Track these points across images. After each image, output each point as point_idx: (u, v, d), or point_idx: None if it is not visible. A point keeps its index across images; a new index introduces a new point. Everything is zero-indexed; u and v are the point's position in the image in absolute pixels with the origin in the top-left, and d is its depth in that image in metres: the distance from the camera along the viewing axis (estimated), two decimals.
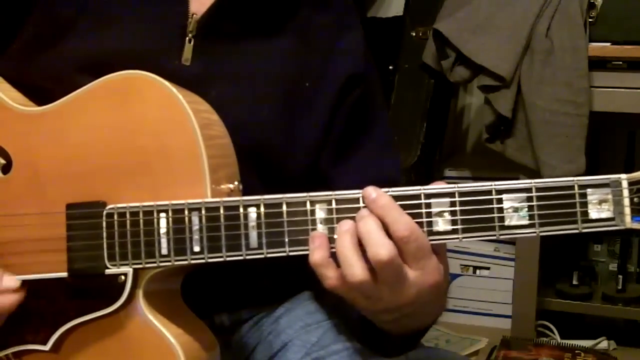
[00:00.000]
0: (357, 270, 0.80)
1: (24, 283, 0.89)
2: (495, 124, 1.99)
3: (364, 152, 1.11)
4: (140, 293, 0.88)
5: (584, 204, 0.80)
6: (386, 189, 0.82)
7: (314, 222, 0.83)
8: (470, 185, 0.82)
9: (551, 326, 2.26)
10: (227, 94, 1.01)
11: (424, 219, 0.82)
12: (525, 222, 0.81)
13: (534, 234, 0.81)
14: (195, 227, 0.85)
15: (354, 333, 1.04)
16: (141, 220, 0.86)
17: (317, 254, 0.82)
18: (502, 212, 0.81)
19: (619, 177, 0.80)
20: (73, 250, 0.89)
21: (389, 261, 0.79)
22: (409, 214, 0.82)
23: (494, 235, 0.81)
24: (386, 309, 0.85)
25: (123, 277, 0.87)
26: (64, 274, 0.89)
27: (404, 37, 2.30)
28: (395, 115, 2.21)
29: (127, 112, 0.89)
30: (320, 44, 1.08)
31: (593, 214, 0.80)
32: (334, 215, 0.83)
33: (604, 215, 0.80)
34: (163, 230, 0.86)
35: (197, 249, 0.85)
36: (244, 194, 0.90)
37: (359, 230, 0.81)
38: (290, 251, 0.84)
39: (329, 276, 0.82)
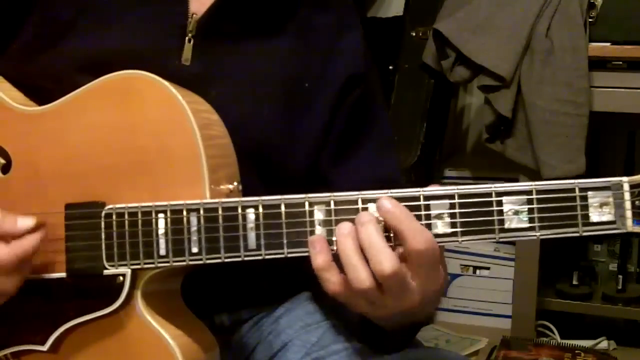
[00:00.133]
0: (362, 274, 0.80)
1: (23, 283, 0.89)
2: (495, 124, 1.99)
3: (364, 152, 1.11)
4: (138, 294, 0.88)
5: (585, 207, 0.80)
6: (386, 190, 0.82)
7: (312, 223, 0.83)
8: (470, 188, 0.81)
9: (551, 326, 2.26)
10: (227, 93, 1.01)
11: (423, 222, 0.82)
12: (526, 225, 0.80)
13: (534, 237, 0.80)
14: (194, 228, 0.85)
15: (353, 332, 1.04)
16: (139, 221, 0.86)
17: (319, 258, 0.82)
18: (502, 215, 0.81)
19: (620, 180, 0.80)
20: (72, 251, 0.89)
21: (392, 275, 0.79)
22: None
23: (494, 238, 0.81)
24: (388, 314, 0.85)
25: (121, 278, 0.87)
26: (63, 275, 0.89)
27: (404, 37, 2.30)
28: (395, 115, 2.21)
29: (127, 112, 0.89)
30: (320, 44, 1.08)
31: (594, 217, 0.80)
32: (333, 217, 0.83)
33: (605, 218, 0.80)
34: (161, 230, 0.86)
35: (195, 249, 0.85)
36: (244, 194, 0.90)
37: (360, 236, 0.80)
38: (288, 253, 0.84)
39: (333, 280, 0.82)
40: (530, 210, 0.80)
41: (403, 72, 2.27)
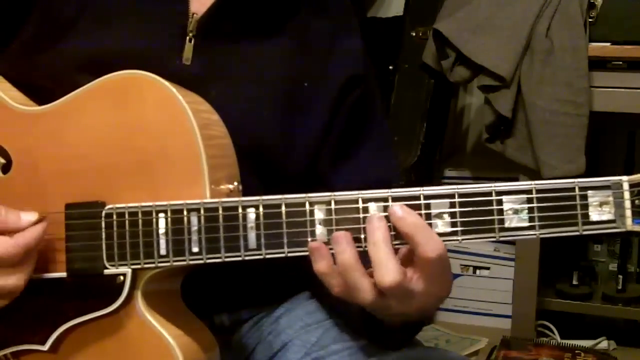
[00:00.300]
0: (365, 285, 0.81)
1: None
2: (495, 124, 1.99)
3: (363, 152, 1.11)
4: (139, 293, 0.88)
5: (585, 206, 0.80)
6: (386, 190, 0.82)
7: (312, 223, 0.83)
8: (470, 187, 0.81)
9: (551, 326, 2.26)
10: (227, 93, 1.01)
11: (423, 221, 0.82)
12: (525, 224, 0.81)
13: (534, 236, 0.80)
14: (194, 228, 0.85)
15: (354, 331, 1.04)
16: (140, 221, 0.86)
17: (320, 264, 0.82)
18: (502, 214, 0.81)
19: (620, 179, 0.80)
20: (72, 251, 0.88)
21: (393, 287, 0.79)
22: None
23: (494, 237, 0.81)
24: (392, 314, 0.86)
25: (122, 278, 0.87)
26: (63, 274, 0.89)
27: (404, 37, 2.30)
28: (395, 115, 2.21)
29: (127, 111, 0.89)
30: (319, 45, 1.09)
31: (594, 216, 0.80)
32: (333, 217, 0.83)
33: (605, 217, 0.80)
34: (162, 230, 0.86)
35: (195, 249, 0.85)
36: (244, 194, 0.90)
37: (368, 240, 0.81)
38: (289, 252, 0.84)
39: (336, 284, 0.83)
40: (530, 210, 0.80)
41: (403, 72, 2.27)
